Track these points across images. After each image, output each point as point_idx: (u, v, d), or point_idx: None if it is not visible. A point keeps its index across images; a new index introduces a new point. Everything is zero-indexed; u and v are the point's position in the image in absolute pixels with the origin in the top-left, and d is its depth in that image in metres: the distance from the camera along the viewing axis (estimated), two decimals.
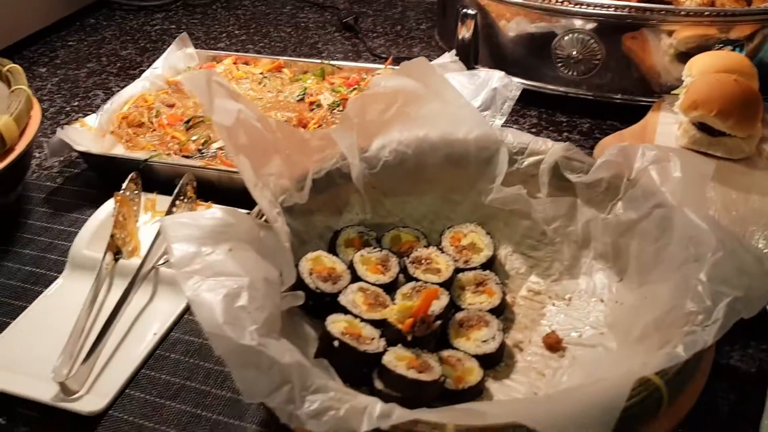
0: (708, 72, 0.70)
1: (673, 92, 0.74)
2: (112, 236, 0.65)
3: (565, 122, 0.87)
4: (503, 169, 0.58)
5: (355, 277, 0.55)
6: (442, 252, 0.58)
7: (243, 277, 0.42)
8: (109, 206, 0.70)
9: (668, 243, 0.49)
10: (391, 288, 0.55)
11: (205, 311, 0.39)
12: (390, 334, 0.49)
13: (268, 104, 0.86)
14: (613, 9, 0.80)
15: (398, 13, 1.25)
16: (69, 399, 0.52)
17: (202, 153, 0.78)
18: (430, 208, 0.63)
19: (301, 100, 0.86)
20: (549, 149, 0.57)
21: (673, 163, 0.50)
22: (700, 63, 0.72)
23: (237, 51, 1.10)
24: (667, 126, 0.74)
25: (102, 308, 0.61)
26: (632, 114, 0.80)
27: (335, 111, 0.83)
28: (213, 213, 0.47)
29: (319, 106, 0.84)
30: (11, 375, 0.54)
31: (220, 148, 0.78)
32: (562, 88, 0.87)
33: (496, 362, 0.51)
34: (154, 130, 0.83)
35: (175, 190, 0.68)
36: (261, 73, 0.93)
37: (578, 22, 0.82)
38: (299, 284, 0.51)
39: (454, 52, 0.87)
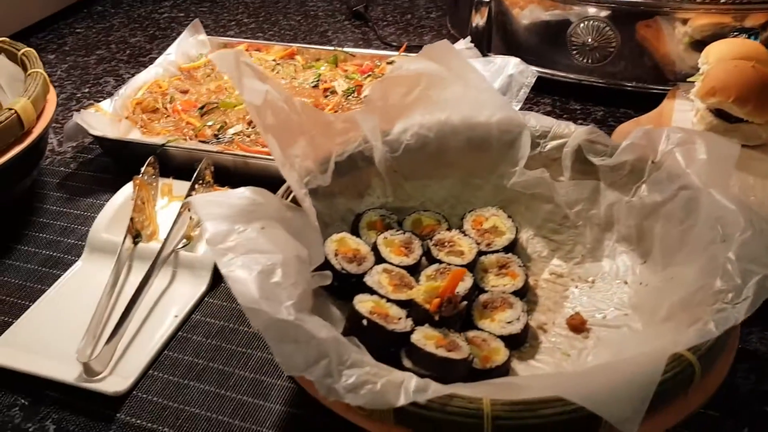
0: (725, 59, 0.70)
1: (689, 79, 0.75)
2: (131, 220, 0.65)
3: (578, 110, 0.87)
4: (526, 152, 0.58)
5: (379, 259, 0.55)
6: (465, 235, 0.58)
7: (276, 254, 0.42)
8: (126, 191, 0.70)
9: (694, 224, 0.49)
10: (414, 270, 0.55)
11: (240, 286, 0.39)
12: (416, 314, 0.49)
13: None
14: None
15: (408, 1, 1.25)
16: (93, 380, 0.52)
17: (219, 138, 0.78)
18: (451, 191, 0.63)
19: (316, 86, 0.86)
20: (572, 132, 0.58)
21: (699, 146, 0.51)
22: (717, 50, 0.72)
23: (247, 39, 1.10)
24: (683, 113, 0.74)
25: (122, 291, 0.61)
26: (646, 102, 0.81)
27: (350, 97, 0.83)
28: (243, 192, 0.47)
29: (334, 92, 0.84)
30: (34, 357, 0.55)
31: (237, 134, 0.78)
32: (576, 76, 0.87)
33: (521, 343, 0.52)
34: (169, 116, 0.82)
35: (194, 175, 0.68)
36: (274, 60, 0.93)
37: (592, 10, 0.83)
38: (325, 265, 0.51)
39: (468, 39, 0.87)
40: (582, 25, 0.83)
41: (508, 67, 0.79)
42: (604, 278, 0.56)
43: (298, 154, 0.53)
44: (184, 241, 0.64)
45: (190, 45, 0.95)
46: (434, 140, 0.61)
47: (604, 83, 0.86)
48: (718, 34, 0.78)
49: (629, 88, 0.85)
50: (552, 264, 0.58)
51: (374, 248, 0.56)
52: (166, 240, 0.62)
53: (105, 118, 0.79)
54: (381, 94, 0.58)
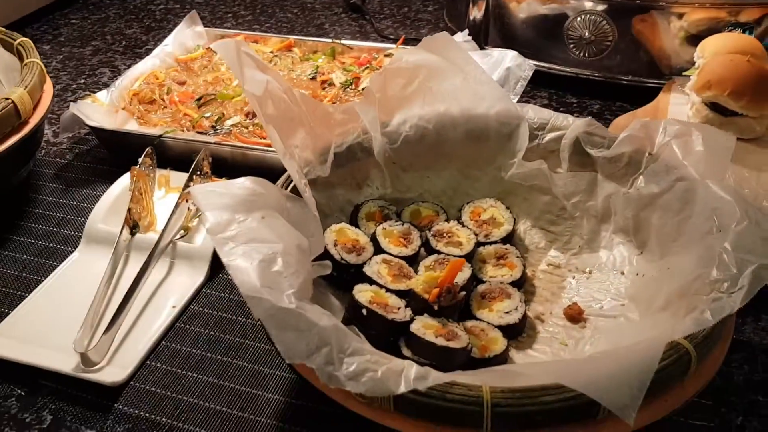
0: (720, 53, 0.71)
1: (684, 73, 0.75)
2: (129, 210, 0.65)
3: (575, 103, 0.88)
4: (524, 144, 0.59)
5: (378, 250, 0.55)
6: (463, 226, 0.58)
7: (277, 244, 0.42)
8: (123, 181, 0.70)
9: (690, 215, 0.49)
10: (413, 261, 0.56)
11: (242, 275, 0.39)
12: (415, 304, 0.50)
13: None
14: None
15: None
16: (90, 370, 0.52)
17: (216, 130, 0.78)
18: (449, 183, 0.63)
19: (313, 78, 0.86)
20: (570, 125, 0.58)
21: (695, 138, 0.51)
22: (712, 44, 0.73)
23: (244, 31, 1.09)
24: (679, 106, 0.75)
25: (119, 282, 0.61)
26: (641, 96, 0.81)
27: (348, 89, 0.83)
28: (243, 182, 0.47)
29: (332, 84, 0.84)
30: (31, 347, 0.54)
31: (234, 125, 0.78)
32: (572, 70, 0.87)
33: (519, 333, 0.52)
34: (166, 107, 0.82)
35: (192, 165, 0.68)
36: (271, 52, 0.92)
37: (589, 4, 0.83)
38: (325, 255, 0.51)
39: (466, 32, 0.87)
40: (579, 18, 0.83)
41: (506, 60, 0.79)
42: (601, 269, 0.56)
43: (298, 145, 0.53)
44: (182, 232, 0.64)
45: (187, 36, 0.94)
46: (433, 132, 0.61)
47: (601, 77, 0.86)
48: (714, 28, 0.79)
49: (625, 82, 0.86)
50: (549, 255, 0.59)
51: (373, 239, 0.56)
52: (163, 231, 0.62)
53: (101, 109, 0.79)
54: (380, 85, 0.59)
